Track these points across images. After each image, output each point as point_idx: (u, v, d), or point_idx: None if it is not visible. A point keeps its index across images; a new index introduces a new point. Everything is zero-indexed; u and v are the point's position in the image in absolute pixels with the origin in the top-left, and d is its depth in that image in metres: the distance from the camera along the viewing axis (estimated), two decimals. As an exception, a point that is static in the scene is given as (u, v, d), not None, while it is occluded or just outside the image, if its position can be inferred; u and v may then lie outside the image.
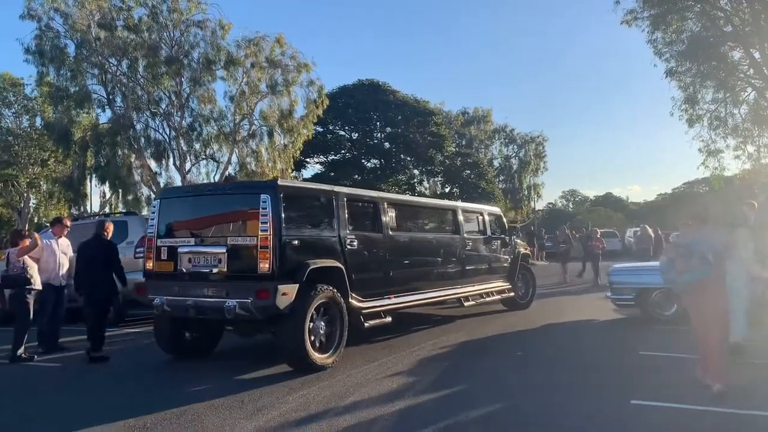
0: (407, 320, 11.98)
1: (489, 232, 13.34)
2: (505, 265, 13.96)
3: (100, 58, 29.57)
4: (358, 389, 7.40)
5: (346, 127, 39.50)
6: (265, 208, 7.95)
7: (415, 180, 41.72)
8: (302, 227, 8.49)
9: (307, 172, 39.31)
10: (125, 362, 9.29)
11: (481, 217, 13.33)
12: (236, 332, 9.14)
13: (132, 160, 31.11)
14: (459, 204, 13.09)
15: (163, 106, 31.19)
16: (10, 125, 37.54)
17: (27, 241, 9.76)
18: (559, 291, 19.73)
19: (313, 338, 8.20)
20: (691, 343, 7.67)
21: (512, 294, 14.00)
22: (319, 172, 39.18)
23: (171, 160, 31.27)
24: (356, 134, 39.54)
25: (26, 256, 9.65)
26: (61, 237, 10.45)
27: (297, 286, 7.98)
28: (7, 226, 39.76)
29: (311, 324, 8.16)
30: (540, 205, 68.21)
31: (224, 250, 8.22)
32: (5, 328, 10.66)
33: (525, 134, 56.12)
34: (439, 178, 42.41)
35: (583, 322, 12.93)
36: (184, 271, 8.49)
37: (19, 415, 6.80)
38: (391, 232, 10.03)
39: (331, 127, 38.74)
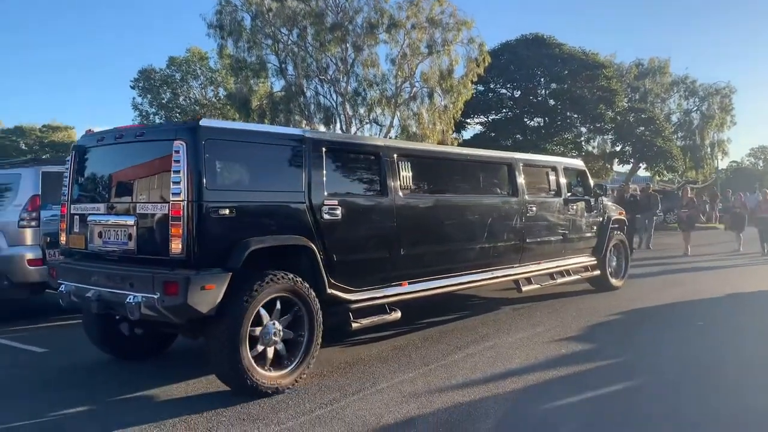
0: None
1: (565, 193, 9.65)
2: (589, 235, 10.20)
3: (272, 28, 29.08)
4: (524, 352, 6.76)
5: (508, 85, 35.27)
6: (178, 161, 5.21)
7: (582, 138, 36.58)
8: (242, 189, 5.70)
9: (467, 133, 36.00)
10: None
11: (552, 174, 9.59)
12: (177, 331, 6.40)
13: (303, 125, 30.40)
14: (518, 156, 9.25)
15: (330, 72, 30.14)
16: (197, 96, 38.12)
17: None
18: (720, 262, 15.37)
19: (260, 349, 5.50)
20: None
21: (598, 272, 10.29)
22: (479, 132, 35.70)
23: (338, 125, 30.32)
24: (518, 92, 35.24)
25: None
26: None
27: (229, 275, 5.26)
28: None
29: (258, 329, 5.45)
30: (724, 163, 59.20)
31: (133, 222, 5.67)
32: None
33: (708, 85, 47.09)
34: (609, 136, 36.73)
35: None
36: (95, 248, 6.05)
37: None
38: (403, 195, 6.94)
39: (492, 86, 34.82)
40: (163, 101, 37.48)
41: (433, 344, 7.15)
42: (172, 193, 5.24)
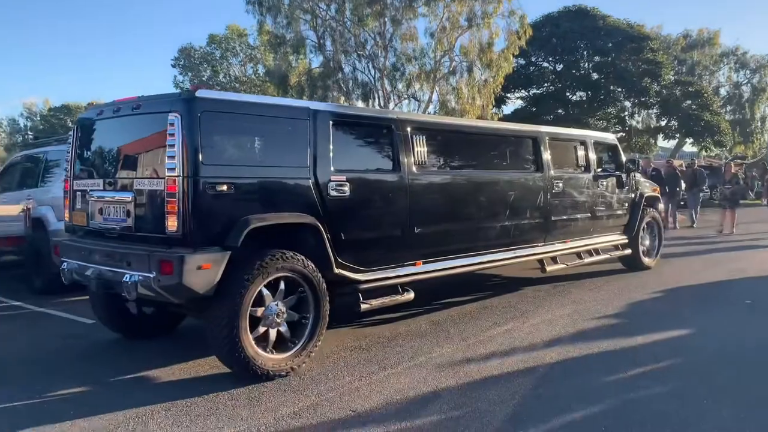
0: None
1: (594, 168, 9.07)
2: (620, 212, 9.63)
3: (311, 3, 28.75)
4: (563, 329, 6.58)
5: (550, 59, 34.36)
6: (173, 134, 4.92)
7: (626, 113, 35.40)
8: (242, 164, 5.32)
9: (507, 108, 35.18)
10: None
11: (581, 149, 8.96)
12: (182, 310, 6.07)
13: (342, 101, 30.10)
14: (544, 129, 8.65)
15: (369, 47, 29.81)
16: (237, 73, 38.07)
17: None
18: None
19: (263, 331, 5.23)
20: None
21: (629, 251, 9.77)
22: (519, 107, 34.88)
23: (376, 100, 29.94)
24: (560, 66, 34.27)
25: None
26: None
27: (227, 254, 4.97)
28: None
29: (260, 310, 5.19)
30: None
31: (131, 198, 5.42)
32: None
33: (760, 57, 44.97)
34: (654, 110, 35.47)
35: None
36: (96, 225, 5.83)
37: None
38: (417, 171, 6.53)
39: (533, 59, 33.99)
40: (204, 79, 37.51)
41: (471, 320, 7.04)
42: (167, 169, 4.96)
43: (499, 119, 30.57)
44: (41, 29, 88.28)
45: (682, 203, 19.01)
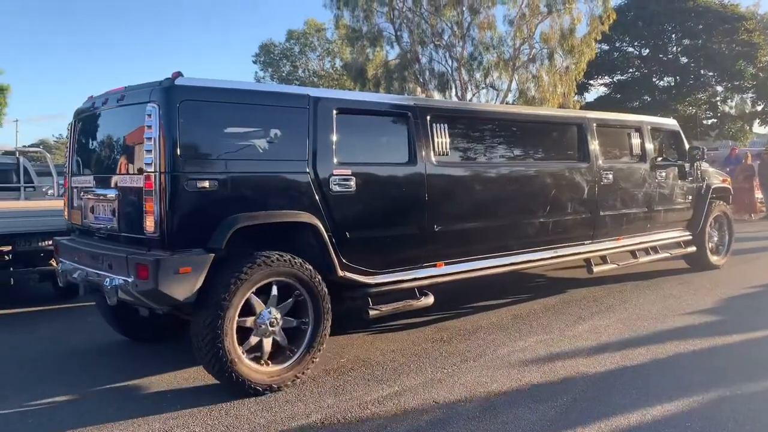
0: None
1: (651, 157, 7.96)
2: (682, 206, 8.50)
3: (386, -5, 28.21)
4: (654, 324, 6.27)
5: (635, 43, 32.39)
6: (150, 126, 4.43)
7: (718, 98, 32.86)
8: (228, 159, 4.72)
9: (590, 96, 33.56)
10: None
11: (635, 136, 7.86)
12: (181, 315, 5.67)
13: (418, 92, 29.55)
14: (591, 115, 7.59)
15: (446, 37, 29.29)
16: (315, 67, 38.06)
17: None
18: None
19: (254, 341, 4.67)
20: None
21: (693, 248, 8.64)
22: (603, 94, 33.13)
23: (453, 91, 29.26)
24: (646, 50, 32.30)
25: None
26: None
27: (210, 257, 4.45)
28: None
29: (250, 318, 4.63)
30: None
31: (115, 196, 4.96)
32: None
33: None
34: (750, 95, 32.75)
35: None
36: (88, 224, 5.42)
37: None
38: (437, 163, 5.76)
39: (617, 44, 32.20)
40: (283, 74, 37.69)
41: (555, 314, 6.76)
42: (145, 164, 4.48)
43: (581, 107, 29.36)
44: (130, 30, 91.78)
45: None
